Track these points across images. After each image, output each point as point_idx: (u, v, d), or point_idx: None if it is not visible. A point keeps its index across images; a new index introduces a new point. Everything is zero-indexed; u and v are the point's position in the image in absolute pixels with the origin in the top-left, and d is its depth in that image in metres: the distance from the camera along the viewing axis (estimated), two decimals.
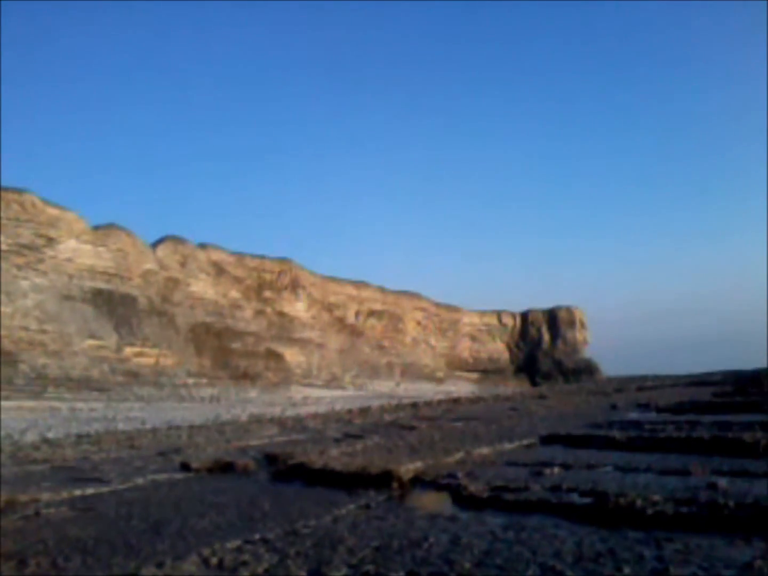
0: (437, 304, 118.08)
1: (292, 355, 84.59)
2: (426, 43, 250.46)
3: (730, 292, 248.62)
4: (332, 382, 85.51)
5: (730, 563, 4.00)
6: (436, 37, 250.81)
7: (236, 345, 78.38)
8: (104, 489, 8.29)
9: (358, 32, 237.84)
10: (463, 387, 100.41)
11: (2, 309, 54.39)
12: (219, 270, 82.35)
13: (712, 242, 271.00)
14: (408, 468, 7.81)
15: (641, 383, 56.20)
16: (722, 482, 6.23)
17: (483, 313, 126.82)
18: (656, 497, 5.64)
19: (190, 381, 66.92)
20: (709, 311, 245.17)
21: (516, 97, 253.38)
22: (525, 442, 11.27)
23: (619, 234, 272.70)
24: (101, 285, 66.28)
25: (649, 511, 5.27)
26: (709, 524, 4.93)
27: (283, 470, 8.83)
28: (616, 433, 11.17)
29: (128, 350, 64.87)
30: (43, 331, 56.86)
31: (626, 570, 3.94)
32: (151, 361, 66.36)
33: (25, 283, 58.15)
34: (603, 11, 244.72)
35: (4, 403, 41.70)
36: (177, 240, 78.85)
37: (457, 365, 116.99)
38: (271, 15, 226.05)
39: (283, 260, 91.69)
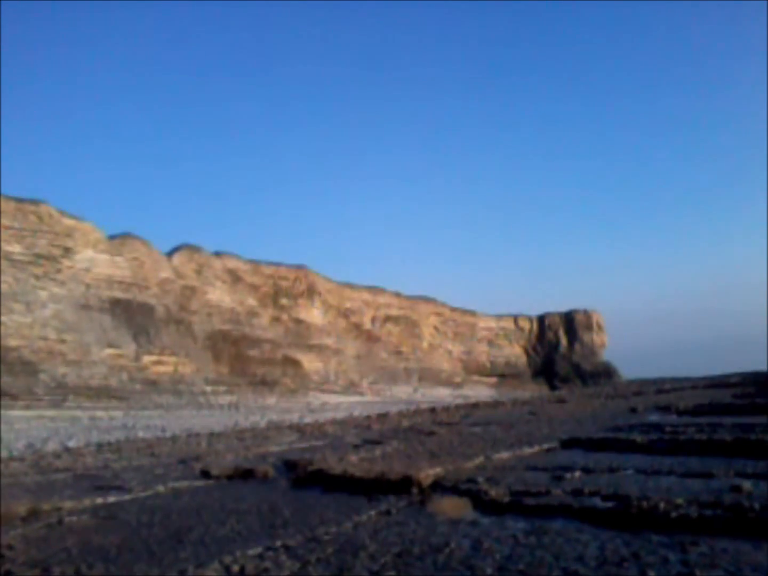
0: (453, 309, 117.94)
1: (310, 362, 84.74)
2: (442, 47, 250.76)
3: (748, 293, 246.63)
4: (350, 388, 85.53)
5: (758, 567, 3.95)
6: (450, 39, 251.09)
7: (253, 352, 78.64)
8: (125, 497, 8.33)
9: (371, 32, 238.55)
10: (481, 391, 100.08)
11: (21, 319, 54.91)
12: (235, 278, 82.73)
13: (729, 244, 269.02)
14: (428, 473, 7.78)
15: (660, 386, 55.68)
16: (746, 484, 6.16)
17: (499, 317, 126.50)
18: (679, 500, 5.58)
19: (209, 388, 67.22)
20: (726, 313, 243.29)
21: (531, 101, 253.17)
22: (545, 446, 11.20)
23: (636, 237, 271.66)
24: (118, 294, 66.79)
25: (673, 515, 5.22)
26: (734, 527, 4.88)
27: (303, 476, 8.82)
28: (637, 436, 11.07)
29: (146, 359, 65.30)
30: (62, 341, 57.35)
31: (651, 574, 3.91)
32: (169, 369, 66.75)
33: (43, 293, 58.74)
34: (606, 12, 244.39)
35: (25, 413, 42.07)
36: (192, 248, 79.33)
37: (474, 370, 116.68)
38: (288, 17, 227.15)
39: (298, 267, 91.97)
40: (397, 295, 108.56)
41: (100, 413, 45.45)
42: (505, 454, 10.14)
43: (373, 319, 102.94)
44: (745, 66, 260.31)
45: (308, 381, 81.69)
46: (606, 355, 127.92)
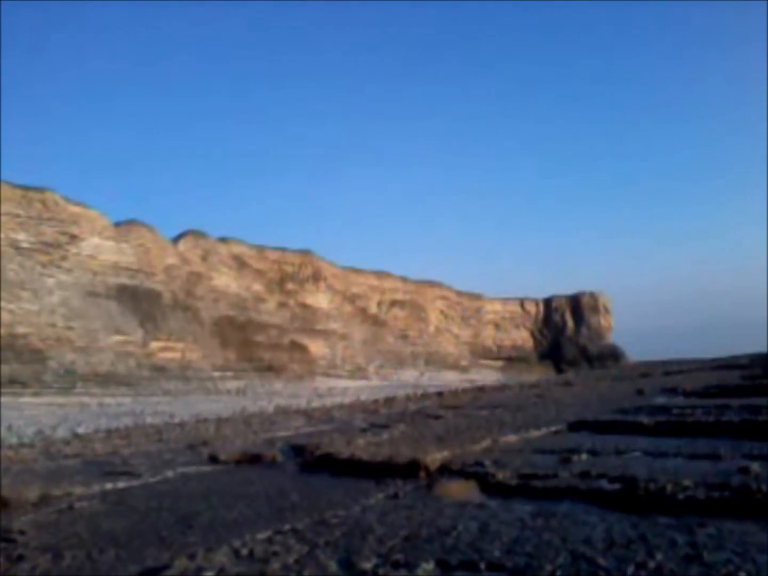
0: (459, 293, 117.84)
1: (316, 347, 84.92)
2: (445, 36, 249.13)
3: (755, 275, 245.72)
4: (357, 372, 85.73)
5: (765, 548, 3.95)
6: (454, 30, 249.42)
7: (260, 337, 78.82)
8: (135, 482, 8.37)
9: (376, 21, 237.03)
10: (487, 375, 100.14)
11: (29, 307, 55.12)
12: (241, 263, 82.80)
13: (735, 225, 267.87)
14: (435, 457, 7.79)
15: (667, 368, 55.51)
16: (754, 466, 6.15)
17: (506, 300, 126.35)
18: (687, 482, 5.58)
19: (216, 374, 67.48)
20: (736, 294, 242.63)
21: (536, 88, 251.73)
22: (552, 428, 11.20)
23: (642, 219, 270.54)
24: (125, 281, 66.95)
25: (680, 496, 5.22)
26: (741, 509, 4.88)
27: (311, 461, 8.86)
28: (644, 418, 11.06)
29: (154, 345, 65.54)
30: (70, 328, 57.59)
31: (658, 556, 3.91)
32: (176, 355, 66.98)
33: (50, 281, 58.93)
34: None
35: (35, 400, 42.35)
36: (198, 234, 79.41)
37: (481, 353, 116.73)
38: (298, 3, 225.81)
39: (304, 252, 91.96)
40: (404, 279, 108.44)
41: (108, 400, 45.72)
42: (512, 437, 10.15)
43: (380, 304, 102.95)
44: (746, 56, 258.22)
45: (315, 366, 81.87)
46: (613, 338, 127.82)
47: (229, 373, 68.70)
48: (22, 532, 5.70)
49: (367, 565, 4.17)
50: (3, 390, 43.05)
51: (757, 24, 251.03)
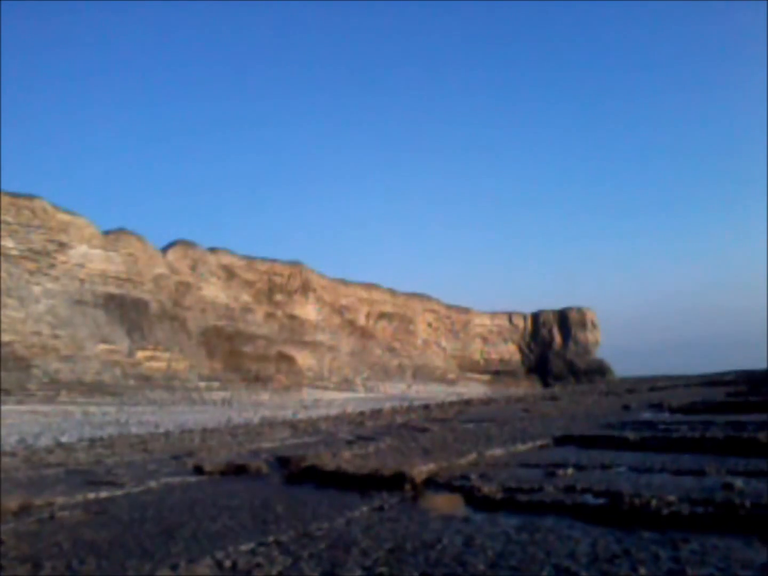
0: (448, 306, 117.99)
1: (304, 358, 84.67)
2: (441, 44, 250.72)
3: (741, 292, 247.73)
4: (343, 384, 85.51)
5: (748, 564, 3.96)
6: (453, 37, 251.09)
7: (248, 348, 78.52)
8: (118, 492, 8.31)
9: (365, 32, 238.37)
10: (474, 388, 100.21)
11: (15, 314, 54.71)
12: (229, 274, 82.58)
13: (724, 242, 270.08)
14: (421, 470, 7.78)
15: (653, 384, 55.86)
16: (738, 482, 6.18)
17: (494, 314, 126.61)
18: (671, 497, 5.60)
19: (202, 384, 67.11)
20: (720, 311, 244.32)
21: (526, 98, 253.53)
22: (538, 443, 11.22)
23: (631, 234, 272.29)
24: (113, 290, 66.59)
25: (665, 512, 5.23)
26: (725, 524, 4.89)
27: (296, 473, 8.82)
28: (630, 434, 11.10)
29: (140, 354, 65.13)
30: (56, 336, 57.16)
31: (642, 571, 3.91)
32: (162, 365, 66.59)
33: (37, 289, 58.51)
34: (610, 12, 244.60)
35: (18, 408, 41.95)
36: (187, 244, 79.16)
37: (468, 367, 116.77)
38: (285, 15, 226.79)
39: (293, 263, 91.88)
40: (392, 291, 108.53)
41: (93, 408, 45.35)
42: (498, 451, 10.15)
43: (368, 316, 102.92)
44: (744, 63, 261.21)
45: (302, 377, 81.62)
46: (600, 353, 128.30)
47: (215, 384, 68.41)
48: (1, 542, 5.64)
49: None
50: None
51: (756, 29, 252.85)
